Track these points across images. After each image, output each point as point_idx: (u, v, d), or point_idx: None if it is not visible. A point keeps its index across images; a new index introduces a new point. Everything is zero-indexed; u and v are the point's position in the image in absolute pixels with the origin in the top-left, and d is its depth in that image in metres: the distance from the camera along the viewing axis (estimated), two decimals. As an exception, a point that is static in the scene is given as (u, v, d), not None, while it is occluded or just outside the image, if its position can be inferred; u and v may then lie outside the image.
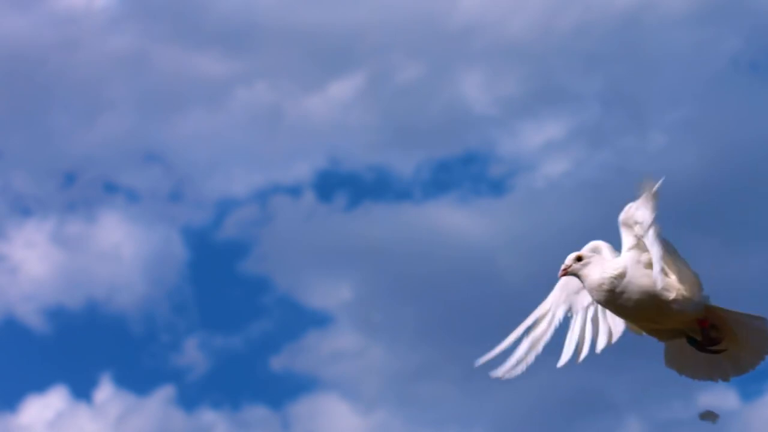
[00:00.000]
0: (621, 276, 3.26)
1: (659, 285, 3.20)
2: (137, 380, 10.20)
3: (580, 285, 3.40)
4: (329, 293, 10.68)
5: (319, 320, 10.64)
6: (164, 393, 10.03)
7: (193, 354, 10.32)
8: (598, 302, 3.33)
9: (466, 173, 11.37)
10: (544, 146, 11.30)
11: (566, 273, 3.34)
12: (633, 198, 3.22)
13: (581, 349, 3.47)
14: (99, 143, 11.46)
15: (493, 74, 11.72)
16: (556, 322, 3.50)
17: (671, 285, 3.25)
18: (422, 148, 11.37)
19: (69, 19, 11.62)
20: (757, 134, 10.72)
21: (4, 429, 9.86)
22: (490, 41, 11.75)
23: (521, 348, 3.48)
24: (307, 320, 10.54)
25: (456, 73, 11.61)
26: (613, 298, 3.26)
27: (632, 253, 3.28)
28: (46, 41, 11.56)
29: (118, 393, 10.06)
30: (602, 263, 3.30)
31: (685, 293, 3.25)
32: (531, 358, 3.47)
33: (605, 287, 3.26)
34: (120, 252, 11.02)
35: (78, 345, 10.66)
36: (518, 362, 3.47)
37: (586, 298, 3.50)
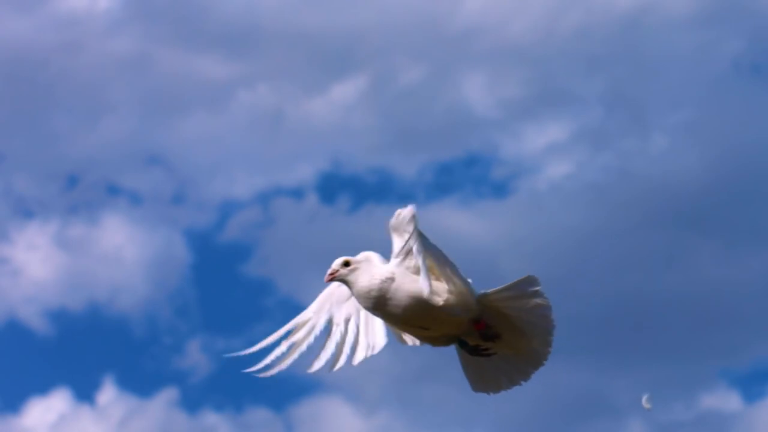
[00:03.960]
0: (389, 281, 3.20)
1: (426, 291, 3.14)
2: (140, 382, 10.22)
3: (347, 295, 3.36)
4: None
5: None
6: (167, 395, 10.05)
7: (196, 356, 10.34)
8: (367, 309, 3.27)
9: (468, 175, 11.39)
10: (546, 148, 11.32)
11: (333, 278, 3.27)
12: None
13: (338, 359, 3.45)
14: (101, 146, 11.49)
15: (495, 76, 11.74)
16: (316, 332, 3.46)
17: (440, 289, 3.19)
18: (424, 151, 11.39)
19: (71, 21, 11.64)
20: (758, 136, 10.74)
21: (7, 431, 9.88)
22: (492, 44, 11.77)
23: (279, 348, 3.46)
24: (309, 322, 10.53)
25: (458, 76, 11.63)
26: (381, 304, 3.21)
27: (400, 259, 3.22)
28: (48, 44, 11.59)
29: (121, 395, 10.07)
30: (370, 269, 3.22)
31: (453, 298, 3.18)
32: (288, 361, 3.46)
33: (373, 294, 3.20)
34: (122, 254, 11.05)
35: (80, 347, 10.68)
36: (275, 361, 3.46)
37: (349, 309, 3.47)
